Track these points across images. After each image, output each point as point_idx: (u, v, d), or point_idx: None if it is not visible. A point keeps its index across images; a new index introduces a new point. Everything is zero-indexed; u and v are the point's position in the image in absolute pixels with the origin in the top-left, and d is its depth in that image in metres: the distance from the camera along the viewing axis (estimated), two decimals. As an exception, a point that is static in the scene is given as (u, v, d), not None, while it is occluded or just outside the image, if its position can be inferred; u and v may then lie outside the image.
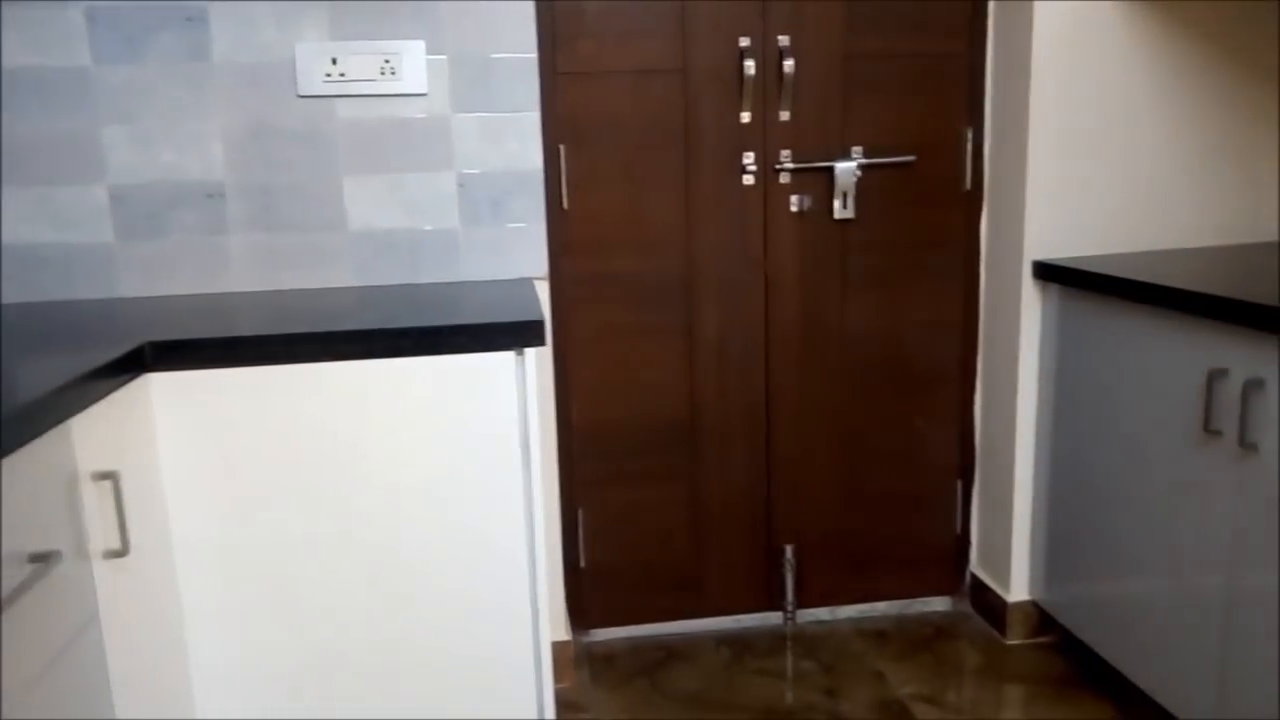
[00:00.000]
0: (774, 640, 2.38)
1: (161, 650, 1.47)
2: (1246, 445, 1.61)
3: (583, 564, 2.37)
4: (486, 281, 2.01)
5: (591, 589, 2.39)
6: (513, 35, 1.97)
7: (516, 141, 2.01)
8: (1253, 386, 1.58)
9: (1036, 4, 2.07)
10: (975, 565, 2.48)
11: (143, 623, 1.40)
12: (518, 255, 2.05)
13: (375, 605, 1.58)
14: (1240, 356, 1.61)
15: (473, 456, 1.55)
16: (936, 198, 2.33)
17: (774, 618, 2.47)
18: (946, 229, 2.35)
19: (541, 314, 1.56)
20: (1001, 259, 2.27)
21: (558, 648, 2.19)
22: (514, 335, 1.51)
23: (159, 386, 1.48)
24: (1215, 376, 1.66)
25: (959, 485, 2.47)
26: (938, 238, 2.35)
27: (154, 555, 1.45)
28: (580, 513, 2.35)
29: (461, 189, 2.01)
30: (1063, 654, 2.25)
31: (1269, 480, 1.57)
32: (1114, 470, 1.97)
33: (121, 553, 1.29)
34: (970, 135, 2.30)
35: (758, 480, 2.40)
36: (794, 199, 2.28)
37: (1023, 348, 2.22)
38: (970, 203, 2.34)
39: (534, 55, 1.98)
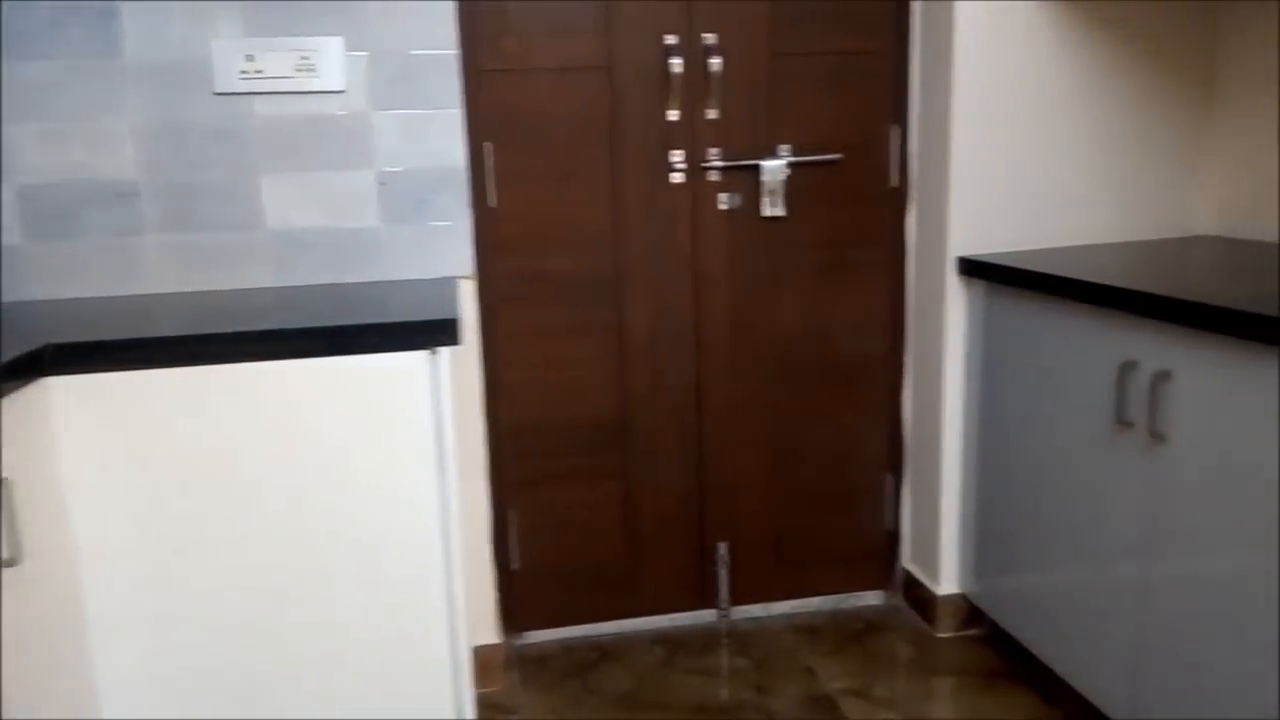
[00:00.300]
0: (708, 638, 2.38)
1: (63, 658, 1.43)
2: (1156, 436, 1.63)
3: (515, 566, 2.36)
4: (410, 281, 1.98)
5: (524, 591, 2.38)
6: (433, 31, 1.95)
7: (439, 139, 1.98)
8: (1161, 378, 1.61)
9: (958, 3, 2.09)
10: (907, 559, 2.50)
11: (41, 631, 1.36)
12: (442, 254, 2.02)
13: (287, 609, 1.55)
14: (1149, 349, 1.64)
15: (387, 458, 1.53)
16: (864, 195, 2.34)
17: (708, 616, 2.47)
18: (874, 226, 2.36)
19: (456, 312, 1.54)
20: (928, 255, 2.29)
21: (487, 651, 2.17)
22: (427, 334, 1.49)
23: (60, 390, 1.44)
24: (1126, 369, 1.69)
25: (890, 480, 2.49)
26: (866, 235, 2.36)
27: (53, 563, 1.41)
28: (512, 514, 2.33)
29: (383, 187, 1.98)
30: (991, 646, 2.27)
31: (1177, 470, 1.60)
32: (1036, 463, 2.00)
33: (13, 561, 1.26)
34: (897, 133, 2.32)
35: (691, 478, 2.40)
36: (723, 197, 2.28)
37: (948, 343, 2.24)
38: (897, 200, 2.36)
39: (455, 51, 1.96)
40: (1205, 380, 1.52)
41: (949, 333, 2.24)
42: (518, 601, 2.38)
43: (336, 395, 1.50)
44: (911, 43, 2.27)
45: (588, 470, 2.35)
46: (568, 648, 2.36)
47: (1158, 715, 1.68)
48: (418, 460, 1.52)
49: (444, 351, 1.51)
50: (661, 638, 2.39)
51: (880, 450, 2.47)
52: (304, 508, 1.53)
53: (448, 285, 1.90)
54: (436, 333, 1.48)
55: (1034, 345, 1.97)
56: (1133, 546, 1.72)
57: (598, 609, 2.42)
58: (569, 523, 2.37)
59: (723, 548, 2.44)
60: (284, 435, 1.50)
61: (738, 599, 2.48)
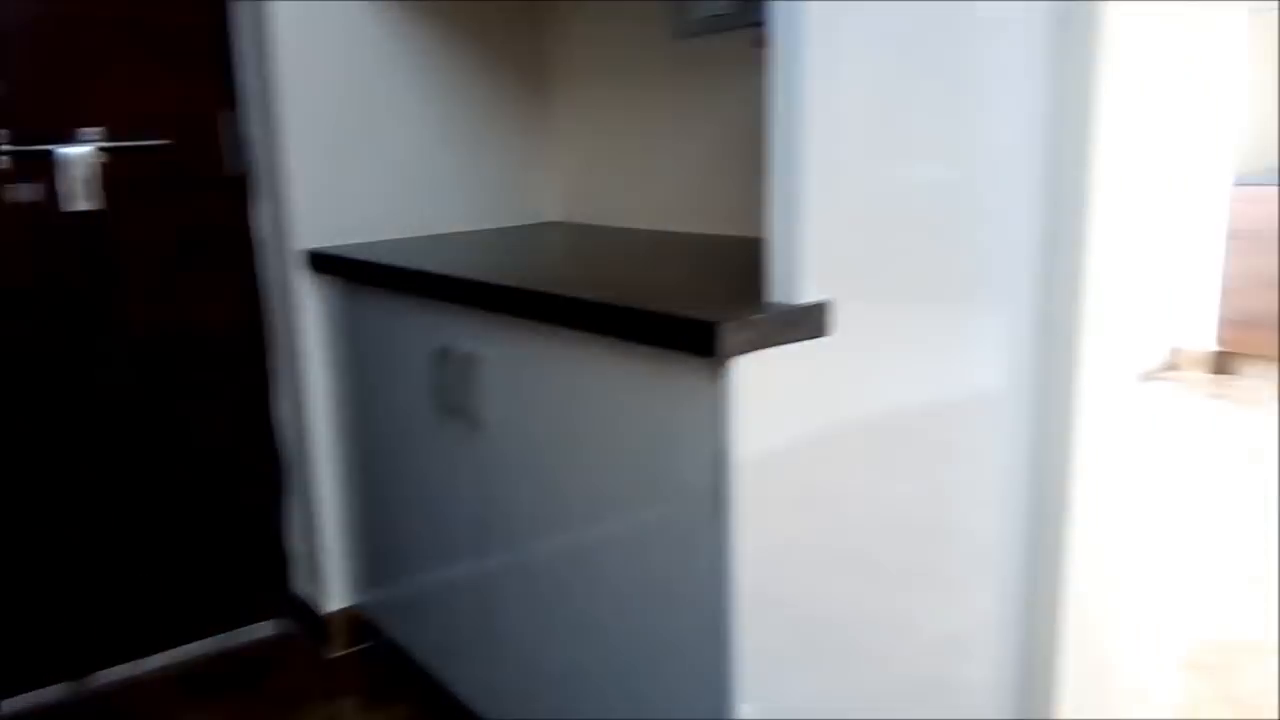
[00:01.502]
0: (58, 716, 1.98)
1: None
2: (474, 422, 1.61)
3: None
4: None
5: None
6: None
7: None
8: (470, 363, 1.58)
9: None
10: (297, 581, 2.31)
11: None
12: None
13: None
14: (457, 334, 1.61)
15: None
16: (202, 185, 2.09)
17: (59, 690, 2.06)
18: (219, 219, 2.12)
19: None
20: (279, 249, 2.11)
21: None
22: None
23: None
24: (443, 355, 1.65)
25: (274, 499, 2.28)
26: (210, 228, 2.12)
27: None
28: None
29: None
30: (380, 658, 2.17)
31: (495, 454, 1.58)
32: (391, 464, 1.91)
33: None
34: (231, 118, 2.10)
35: (15, 537, 1.98)
36: (19, 188, 1.90)
37: (309, 343, 2.09)
38: (240, 190, 2.14)
39: None
40: (507, 363, 1.51)
41: (308, 332, 2.08)
42: None
43: None
44: (234, 23, 2.07)
45: None
46: None
47: (511, 702, 1.67)
48: None
49: None
50: (-10, 730, 1.95)
51: (259, 468, 2.25)
52: None
53: None
54: None
55: (377, 339, 1.89)
56: (470, 536, 1.69)
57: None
58: None
59: (73, 609, 2.05)
60: None
61: (103, 664, 2.10)
